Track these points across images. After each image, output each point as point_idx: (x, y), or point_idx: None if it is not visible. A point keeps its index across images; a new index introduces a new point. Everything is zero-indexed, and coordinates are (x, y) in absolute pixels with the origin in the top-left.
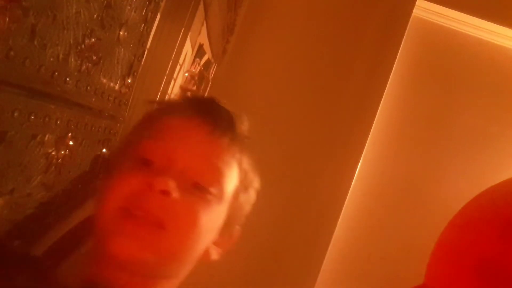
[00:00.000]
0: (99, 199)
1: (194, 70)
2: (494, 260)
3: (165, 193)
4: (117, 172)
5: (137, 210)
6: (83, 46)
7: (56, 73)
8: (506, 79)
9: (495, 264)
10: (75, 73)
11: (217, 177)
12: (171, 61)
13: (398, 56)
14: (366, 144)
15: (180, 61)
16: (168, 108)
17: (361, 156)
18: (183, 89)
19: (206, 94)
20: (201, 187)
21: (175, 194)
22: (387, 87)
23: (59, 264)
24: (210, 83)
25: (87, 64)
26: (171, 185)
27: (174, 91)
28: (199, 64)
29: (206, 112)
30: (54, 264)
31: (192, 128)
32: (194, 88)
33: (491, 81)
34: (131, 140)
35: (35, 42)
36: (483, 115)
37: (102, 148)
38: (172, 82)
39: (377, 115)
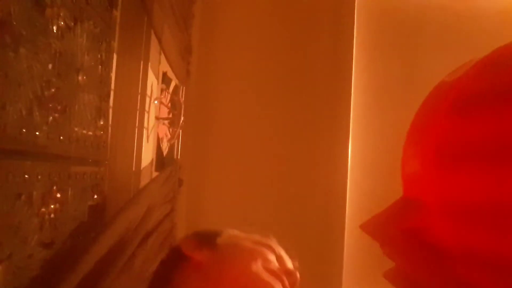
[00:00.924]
0: None
1: (163, 97)
2: (450, 138)
3: None
4: None
5: None
6: (43, 98)
7: (23, 129)
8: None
9: (451, 141)
10: (44, 126)
11: None
12: (139, 95)
13: (355, 23)
14: (351, 123)
15: (148, 92)
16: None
17: (349, 139)
18: (159, 119)
19: (182, 117)
20: None
21: None
22: (353, 69)
23: None
24: (183, 106)
25: (54, 114)
26: None
27: (150, 123)
28: (167, 91)
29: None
30: None
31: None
32: (170, 115)
33: (450, 27)
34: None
35: None
36: (452, 60)
37: (93, 195)
38: (146, 114)
39: (352, 98)
